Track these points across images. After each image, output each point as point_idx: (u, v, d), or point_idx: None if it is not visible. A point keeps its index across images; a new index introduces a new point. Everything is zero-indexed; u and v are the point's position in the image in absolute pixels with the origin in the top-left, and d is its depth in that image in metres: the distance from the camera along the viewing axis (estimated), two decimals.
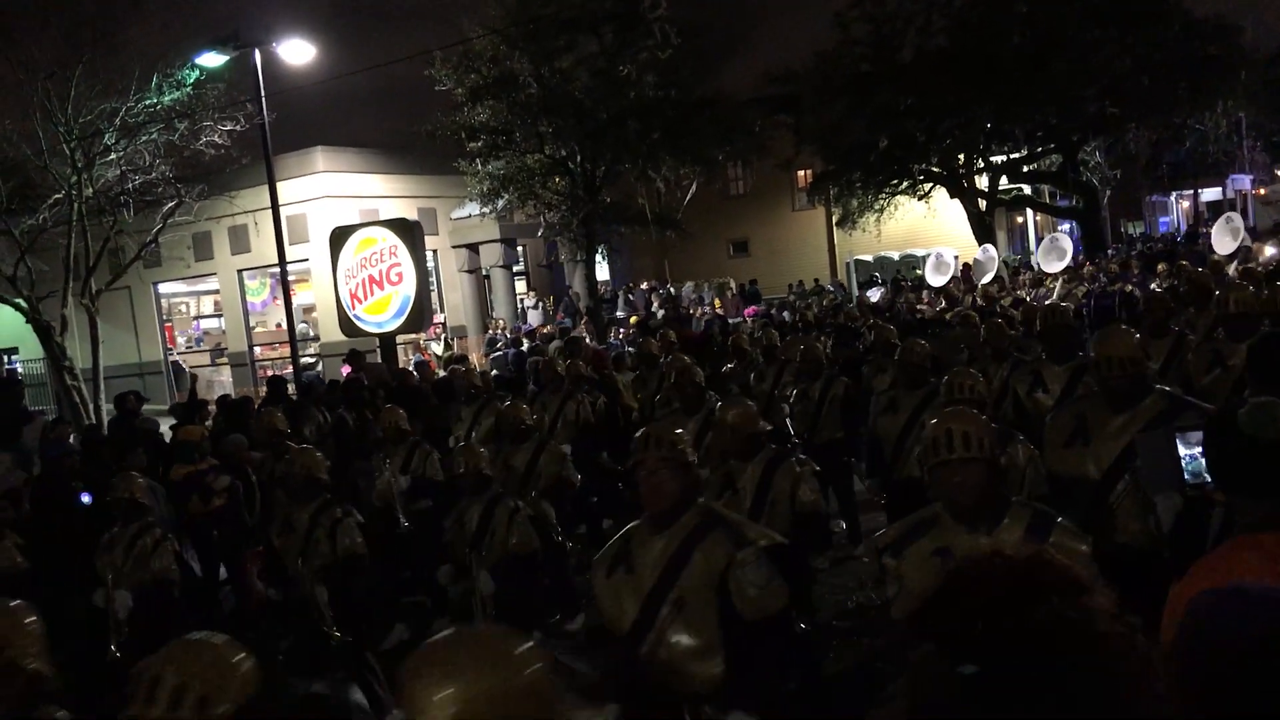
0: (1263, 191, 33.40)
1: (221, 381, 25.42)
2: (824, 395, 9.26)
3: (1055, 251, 21.71)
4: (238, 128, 18.85)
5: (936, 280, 22.48)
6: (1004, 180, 30.45)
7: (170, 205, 19.00)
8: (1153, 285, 16.26)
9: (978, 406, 5.33)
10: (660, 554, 3.84)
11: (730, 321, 22.43)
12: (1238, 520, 2.68)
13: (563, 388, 10.43)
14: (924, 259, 32.96)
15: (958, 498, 3.60)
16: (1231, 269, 14.65)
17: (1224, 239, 19.79)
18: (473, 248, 27.30)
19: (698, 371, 8.12)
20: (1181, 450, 3.34)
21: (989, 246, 25.20)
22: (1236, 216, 21.94)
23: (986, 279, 21.42)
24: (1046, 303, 11.52)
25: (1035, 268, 23.50)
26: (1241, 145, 47.18)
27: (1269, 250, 20.22)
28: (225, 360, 27.25)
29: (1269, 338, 4.96)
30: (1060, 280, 19.36)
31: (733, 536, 3.82)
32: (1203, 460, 3.19)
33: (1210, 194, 48.48)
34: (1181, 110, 28.83)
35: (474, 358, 22.61)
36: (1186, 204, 48.55)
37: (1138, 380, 4.72)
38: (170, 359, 27.35)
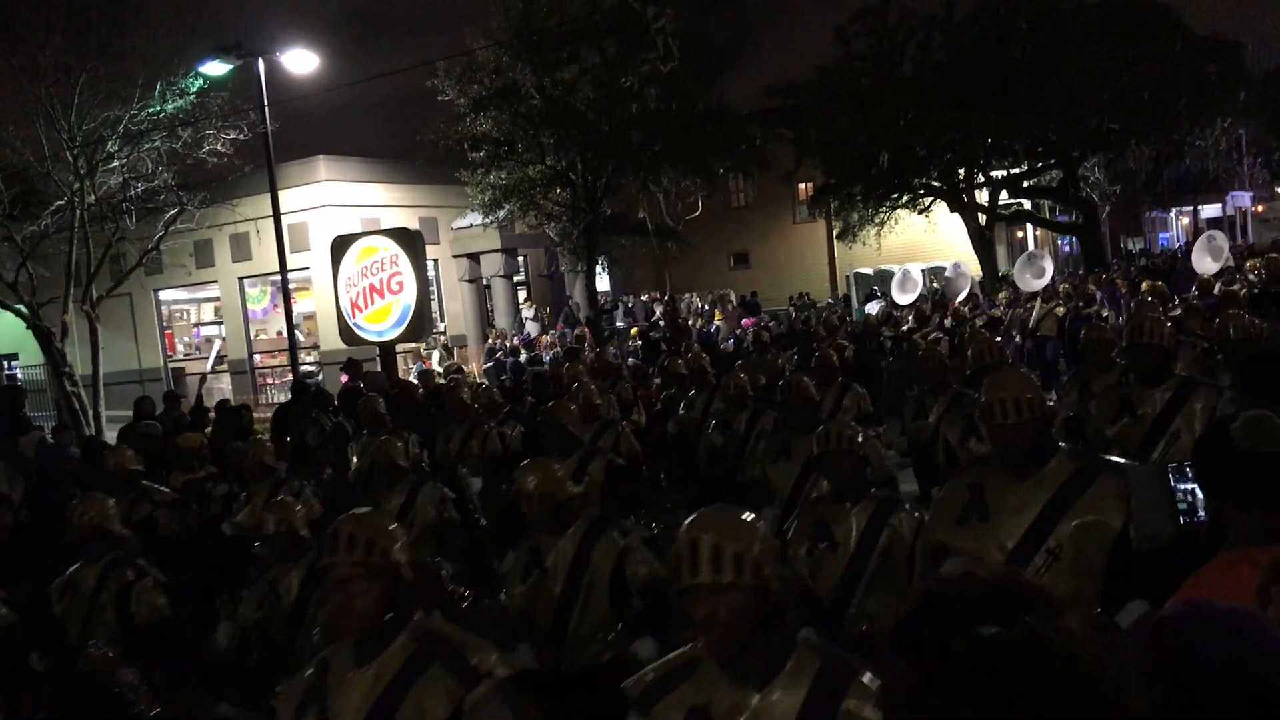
0: (1260, 209, 33.41)
1: (221, 389, 25.40)
2: (750, 428, 8.11)
3: (1032, 269, 20.58)
4: (240, 136, 18.91)
5: (903, 298, 21.84)
6: (1004, 195, 30.47)
7: (172, 213, 19.05)
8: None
9: (854, 460, 4.66)
10: (364, 698, 2.90)
11: (733, 333, 22.44)
12: (1229, 534, 2.69)
13: (470, 416, 9.56)
14: (925, 273, 33.05)
15: (712, 637, 2.57)
16: (1217, 289, 14.20)
17: (1204, 258, 19.16)
18: (474, 257, 27.34)
19: (808, 387, 6.96)
20: (1175, 485, 3.22)
21: (961, 263, 24.92)
22: (1219, 235, 21.55)
23: (961, 297, 20.60)
24: (983, 333, 10.34)
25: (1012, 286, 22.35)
26: (1242, 162, 47.30)
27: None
28: (225, 368, 27.26)
29: (1260, 355, 4.99)
30: (1039, 300, 18.26)
31: (458, 669, 2.92)
32: (1199, 495, 3.14)
33: (1210, 210, 48.57)
34: (1181, 127, 28.86)
35: (473, 367, 22.65)
36: (1186, 220, 48.63)
37: (1037, 433, 3.76)
38: (170, 366, 27.38)
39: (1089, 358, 8.11)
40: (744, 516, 2.66)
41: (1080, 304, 17.28)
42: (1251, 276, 17.77)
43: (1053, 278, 20.99)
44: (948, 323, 17.40)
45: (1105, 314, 16.06)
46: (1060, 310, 17.11)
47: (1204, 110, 27.06)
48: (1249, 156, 48.00)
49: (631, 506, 8.01)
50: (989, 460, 4.01)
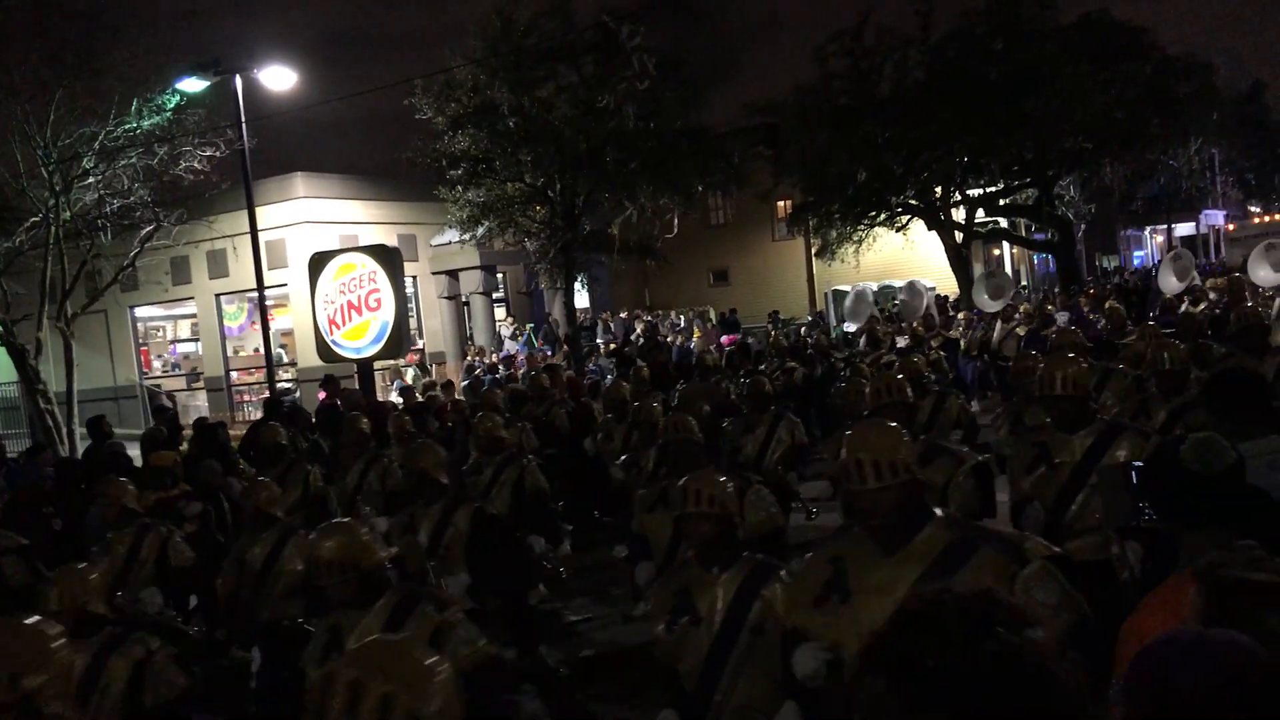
0: (1232, 228, 33.73)
1: (197, 406, 25.27)
2: (659, 465, 7.24)
3: (989, 288, 19.85)
4: (217, 153, 18.85)
5: (853, 322, 21.11)
6: (980, 213, 30.69)
7: (148, 229, 18.94)
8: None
9: (716, 523, 3.93)
10: None
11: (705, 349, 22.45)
12: (1182, 553, 2.72)
13: (367, 449, 8.81)
14: (902, 290, 33.20)
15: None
16: (1183, 309, 14.11)
17: (1168, 277, 18.96)
18: (452, 274, 27.31)
19: (690, 426, 6.19)
20: (1137, 486, 3.25)
21: (919, 281, 24.57)
22: (1185, 254, 21.51)
23: (917, 317, 20.17)
24: (886, 369, 9.54)
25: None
26: (1215, 181, 47.84)
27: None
28: (201, 385, 27.11)
29: (1228, 373, 5.04)
30: (999, 320, 17.58)
31: None
32: None
33: (1184, 229, 49.06)
34: (1155, 146, 29.19)
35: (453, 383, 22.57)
36: (1161, 239, 49.09)
37: (904, 500, 3.18)
38: (145, 383, 27.21)
39: (1020, 390, 7.84)
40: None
41: (1040, 325, 16.31)
42: (1213, 295, 17.75)
43: (1013, 297, 20.16)
44: (904, 342, 17.04)
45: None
46: (1021, 331, 16.27)
47: (1176, 130, 27.37)
48: (1222, 175, 48.58)
49: (551, 535, 7.67)
50: (851, 531, 3.45)
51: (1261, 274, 18.08)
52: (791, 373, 13.72)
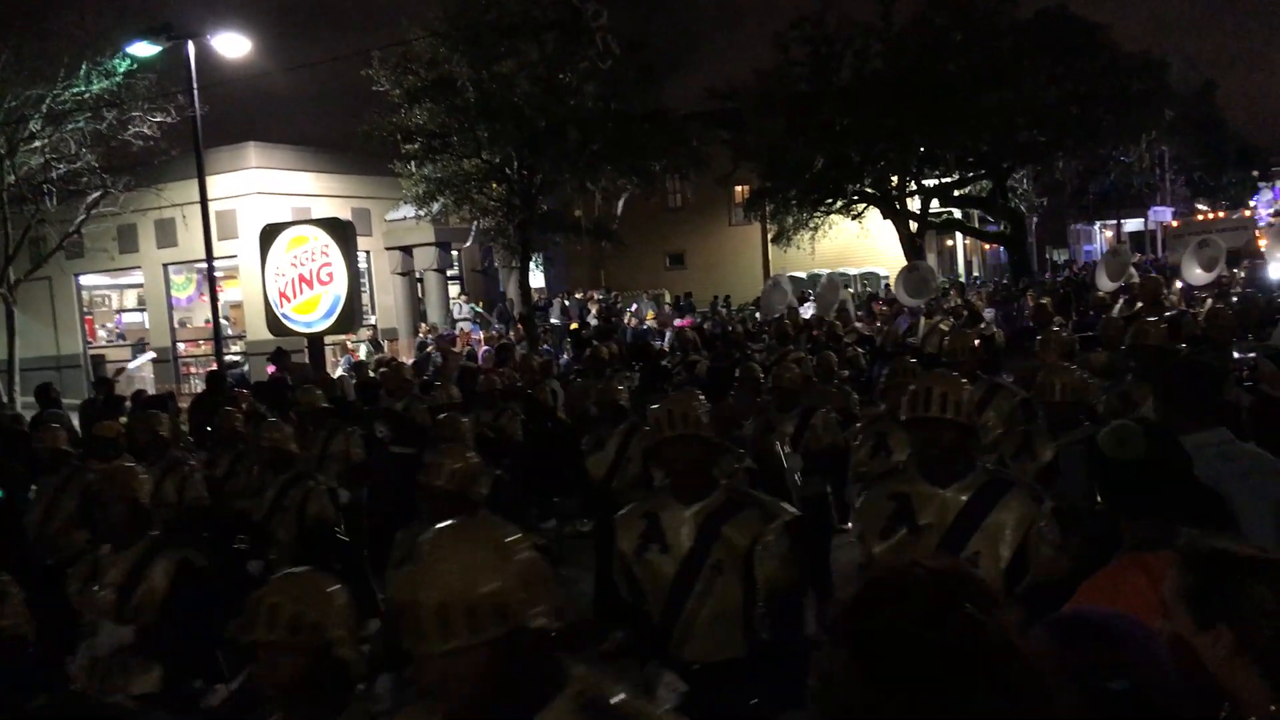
0: (1175, 224, 34.18)
1: (143, 377, 24.88)
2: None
3: (908, 283, 18.47)
4: (168, 119, 18.55)
5: (772, 311, 19.72)
6: (935, 203, 30.98)
7: (95, 195, 18.65)
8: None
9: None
10: None
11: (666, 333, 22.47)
12: (1124, 540, 2.74)
13: (165, 456, 7.45)
14: (856, 278, 33.46)
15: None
16: (1116, 309, 12.77)
17: (1102, 276, 18.02)
18: (406, 250, 27.08)
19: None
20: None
21: (834, 272, 23.82)
22: (1124, 249, 20.99)
23: (833, 311, 18.81)
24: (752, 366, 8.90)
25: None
26: (1164, 179, 48.62)
27: (1176, 285, 18.11)
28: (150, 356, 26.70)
29: (1181, 365, 5.07)
30: (922, 316, 16.48)
31: None
32: None
33: (1133, 225, 49.84)
34: (1107, 141, 29.58)
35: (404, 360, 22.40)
36: (1110, 233, 49.86)
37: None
38: (117, 369, 26.76)
39: (888, 403, 6.73)
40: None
41: (968, 322, 14.98)
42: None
43: (937, 290, 18.70)
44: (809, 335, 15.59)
45: (994, 330, 14.04)
46: (945, 327, 14.39)
47: (1129, 126, 27.76)
48: (1171, 173, 49.39)
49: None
50: None
51: (1196, 273, 17.58)
52: (693, 366, 12.30)
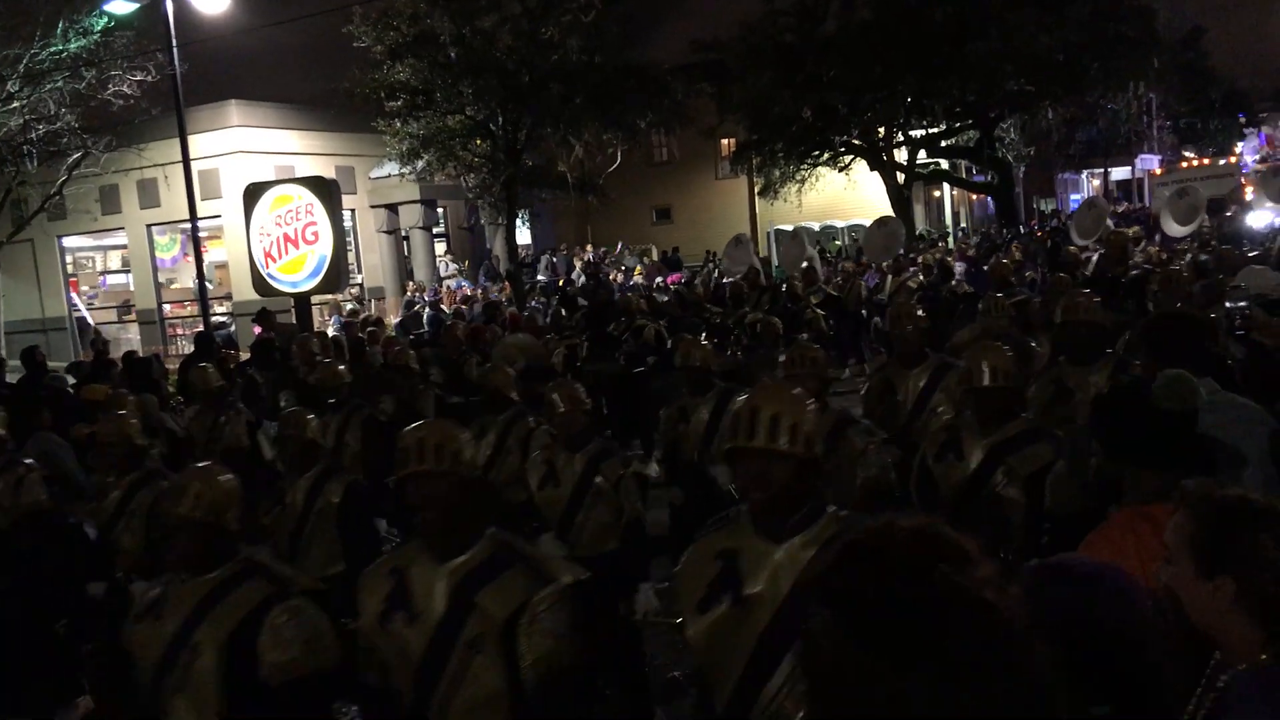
0: (1158, 172, 33.91)
1: (129, 339, 24.77)
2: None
3: (879, 238, 17.95)
4: (148, 78, 18.33)
5: (734, 269, 18.98)
6: (922, 154, 30.88)
7: (76, 156, 18.47)
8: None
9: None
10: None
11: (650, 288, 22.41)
12: (1127, 493, 2.76)
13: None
14: (844, 230, 33.39)
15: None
16: (1093, 262, 12.22)
17: (1084, 226, 17.20)
18: (392, 208, 26.92)
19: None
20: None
21: (798, 228, 22.71)
22: (1101, 201, 19.98)
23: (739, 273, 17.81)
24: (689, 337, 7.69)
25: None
26: (1151, 126, 48.48)
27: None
28: (133, 317, 26.57)
29: (1164, 317, 5.07)
30: (889, 275, 15.75)
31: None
32: None
33: (1120, 173, 49.76)
34: (1095, 90, 29.45)
35: (390, 320, 22.36)
36: (1098, 182, 49.78)
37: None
38: (75, 314, 26.61)
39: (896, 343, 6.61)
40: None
41: (940, 278, 14.40)
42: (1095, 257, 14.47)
43: (906, 245, 18.25)
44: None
45: (965, 287, 13.47)
46: (913, 285, 14.37)
47: (1116, 73, 27.62)
48: (1158, 120, 49.24)
49: None
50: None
51: (1172, 227, 17.15)
52: (640, 331, 11.37)
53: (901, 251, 18.33)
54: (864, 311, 15.63)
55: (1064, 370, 5.59)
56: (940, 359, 6.13)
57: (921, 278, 15.19)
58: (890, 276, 15.80)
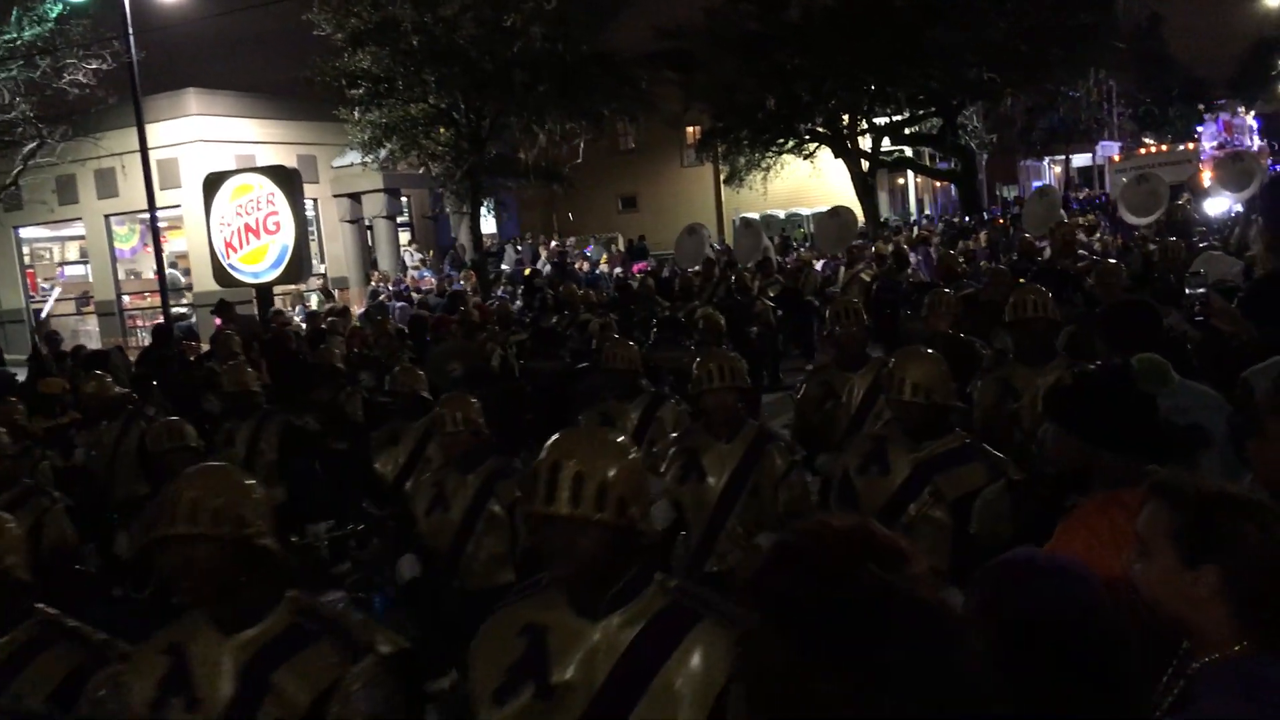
0: (1117, 159, 34.14)
1: (88, 331, 24.47)
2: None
3: (835, 227, 17.46)
4: (104, 66, 18.08)
5: (684, 261, 18.23)
6: (886, 142, 31.01)
7: (31, 146, 18.20)
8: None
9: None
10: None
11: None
12: (1096, 479, 2.75)
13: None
14: (809, 218, 33.48)
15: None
16: (1048, 251, 11.65)
17: (1036, 215, 16.58)
18: (355, 197, 26.70)
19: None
20: None
21: (750, 217, 22.39)
22: (1053, 191, 20.29)
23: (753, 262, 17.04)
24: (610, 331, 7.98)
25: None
26: (1112, 114, 48.94)
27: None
28: (92, 309, 26.22)
29: (1121, 305, 5.11)
30: (842, 266, 15.21)
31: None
32: None
33: (1081, 160, 50.17)
34: (1055, 77, 29.67)
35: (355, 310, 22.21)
36: (1059, 169, 50.18)
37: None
38: (34, 306, 26.24)
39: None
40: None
41: (895, 267, 14.00)
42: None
43: (871, 233, 17.90)
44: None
45: (922, 276, 13.14)
46: (867, 276, 13.70)
47: (1076, 61, 27.83)
48: (1118, 107, 49.70)
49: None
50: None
51: (1129, 216, 16.98)
52: (584, 326, 10.99)
53: (859, 241, 17.89)
54: (815, 302, 14.73)
55: (1013, 370, 5.28)
56: (885, 360, 5.25)
57: (875, 267, 14.56)
58: (842, 268, 15.30)
